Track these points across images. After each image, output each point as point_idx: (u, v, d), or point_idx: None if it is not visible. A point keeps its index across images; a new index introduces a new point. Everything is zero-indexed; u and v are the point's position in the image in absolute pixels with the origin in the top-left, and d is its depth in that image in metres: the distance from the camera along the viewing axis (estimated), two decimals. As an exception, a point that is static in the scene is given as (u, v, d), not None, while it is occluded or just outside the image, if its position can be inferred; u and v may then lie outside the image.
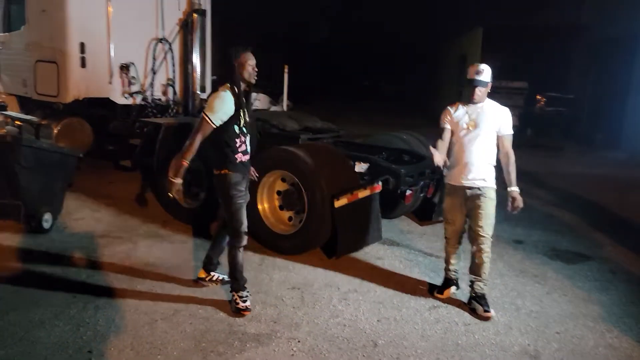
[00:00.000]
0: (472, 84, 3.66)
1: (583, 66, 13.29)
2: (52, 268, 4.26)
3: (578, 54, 13.31)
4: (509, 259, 4.75)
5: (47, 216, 5.03)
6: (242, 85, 3.49)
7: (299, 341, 3.24)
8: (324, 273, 4.31)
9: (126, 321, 3.42)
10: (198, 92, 7.30)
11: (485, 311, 3.65)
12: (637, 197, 7.53)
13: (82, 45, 6.58)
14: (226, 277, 3.88)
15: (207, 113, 3.40)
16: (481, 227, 3.64)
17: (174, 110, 7.23)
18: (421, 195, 5.45)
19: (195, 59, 7.17)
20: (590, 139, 12.59)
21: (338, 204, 4.25)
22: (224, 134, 3.47)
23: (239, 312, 3.56)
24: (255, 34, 21.50)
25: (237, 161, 3.51)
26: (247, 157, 3.61)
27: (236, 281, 3.64)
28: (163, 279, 4.08)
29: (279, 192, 4.86)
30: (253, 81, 3.53)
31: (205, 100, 7.60)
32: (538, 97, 12.68)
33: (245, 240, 3.61)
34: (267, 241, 4.78)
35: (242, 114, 3.48)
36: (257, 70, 3.51)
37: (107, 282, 3.99)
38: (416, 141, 5.78)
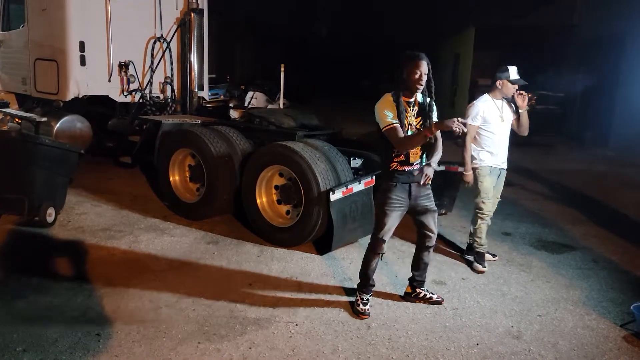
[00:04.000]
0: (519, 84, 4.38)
1: (573, 65, 13.53)
2: (57, 260, 4.43)
3: (568, 53, 13.55)
4: (496, 250, 4.94)
5: (50, 210, 5.17)
6: (409, 94, 3.39)
7: (296, 324, 3.43)
8: (320, 263, 4.49)
9: (131, 308, 3.59)
10: (196, 90, 7.46)
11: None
12: (622, 192, 7.75)
13: (81, 43, 6.73)
14: (435, 297, 3.83)
15: (383, 125, 3.35)
16: (498, 197, 4.61)
17: (173, 108, 7.39)
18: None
19: (193, 57, 7.34)
20: (580, 137, 12.81)
21: (334, 197, 4.42)
22: (381, 142, 3.45)
23: (357, 315, 3.55)
24: (254, 32, 21.60)
25: (392, 169, 3.44)
26: (408, 167, 3.45)
27: (366, 280, 3.63)
28: (165, 270, 4.26)
29: (276, 187, 5.03)
30: (416, 90, 3.37)
31: (203, 100, 7.78)
32: (529, 94, 12.89)
33: (383, 249, 3.57)
34: (266, 233, 4.96)
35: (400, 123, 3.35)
36: (423, 79, 3.33)
37: (111, 273, 4.15)
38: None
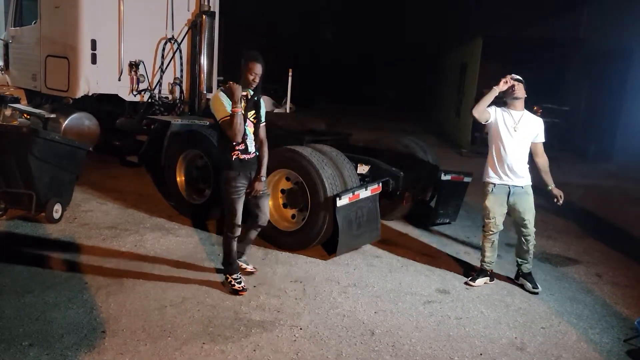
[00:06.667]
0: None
1: (578, 79, 13.56)
2: (63, 256, 4.43)
3: (574, 67, 13.59)
4: (500, 261, 4.93)
5: (57, 207, 5.21)
6: (244, 90, 3.78)
7: (300, 328, 3.44)
8: (325, 268, 4.51)
9: (137, 306, 3.60)
10: (204, 91, 7.50)
11: (535, 287, 4.26)
12: (626, 207, 7.76)
13: (93, 42, 6.77)
14: (249, 267, 4.29)
15: (220, 117, 3.71)
16: (528, 219, 4.21)
17: (181, 109, 7.42)
18: (419, 198, 5.66)
19: (203, 59, 7.35)
20: (584, 151, 12.80)
21: (340, 203, 4.44)
22: (221, 133, 3.78)
23: (236, 293, 3.89)
24: (261, 35, 21.67)
25: (234, 158, 3.77)
26: (248, 155, 3.84)
27: (229, 265, 3.99)
28: (171, 269, 4.28)
29: (283, 191, 5.05)
30: (250, 87, 3.82)
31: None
32: (535, 107, 12.92)
33: (238, 232, 3.93)
34: (271, 237, 4.97)
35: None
36: (257, 79, 3.78)
37: (116, 271, 4.17)
38: (416, 146, 6.00)
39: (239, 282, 3.94)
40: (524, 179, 4.21)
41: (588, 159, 12.27)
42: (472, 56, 13.31)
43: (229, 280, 3.96)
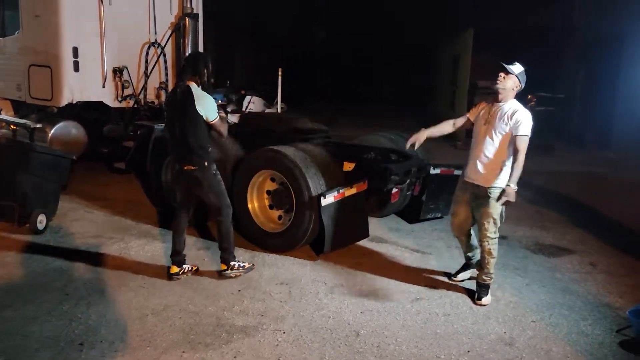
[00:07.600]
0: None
1: (573, 66, 13.44)
2: (45, 267, 4.34)
3: (568, 55, 13.48)
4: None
5: (42, 217, 5.13)
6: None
7: (284, 332, 3.36)
8: (312, 269, 4.42)
9: (117, 316, 3.53)
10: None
11: (477, 299, 3.84)
12: (623, 195, 7.65)
13: (75, 49, 6.70)
14: (192, 268, 4.31)
15: (215, 116, 3.96)
16: (482, 224, 3.76)
17: (167, 113, 7.34)
18: (408, 193, 5.57)
19: (188, 62, 7.28)
20: (581, 139, 12.68)
21: (325, 202, 4.35)
22: (207, 130, 4.01)
23: (251, 269, 4.27)
24: (254, 37, 21.60)
25: (210, 152, 4.07)
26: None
27: (233, 250, 4.19)
28: (154, 277, 4.19)
29: (268, 192, 4.97)
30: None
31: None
32: (529, 97, 12.80)
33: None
34: (257, 239, 4.90)
35: None
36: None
37: (99, 280, 4.09)
38: (403, 141, 5.89)
39: (243, 262, 4.24)
40: (487, 180, 3.70)
41: (585, 147, 12.16)
42: (464, 48, 13.21)
43: (235, 266, 4.15)
